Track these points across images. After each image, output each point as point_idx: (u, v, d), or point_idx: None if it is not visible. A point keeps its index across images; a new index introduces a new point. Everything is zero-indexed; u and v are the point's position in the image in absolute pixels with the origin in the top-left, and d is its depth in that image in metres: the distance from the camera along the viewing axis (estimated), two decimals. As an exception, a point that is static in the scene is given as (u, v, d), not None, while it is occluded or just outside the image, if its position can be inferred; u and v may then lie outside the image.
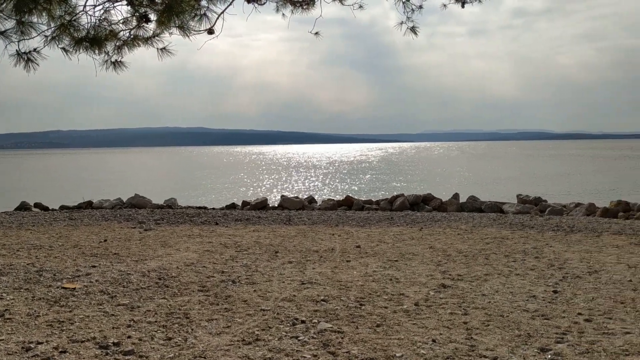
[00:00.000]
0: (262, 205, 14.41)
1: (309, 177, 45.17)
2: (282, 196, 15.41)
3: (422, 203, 14.10)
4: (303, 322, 4.79)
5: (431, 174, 44.68)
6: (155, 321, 4.80)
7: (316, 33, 7.33)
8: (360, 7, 6.94)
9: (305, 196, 16.40)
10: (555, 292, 5.78)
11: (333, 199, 15.29)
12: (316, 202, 15.28)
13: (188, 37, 5.78)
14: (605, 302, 5.38)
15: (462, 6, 6.23)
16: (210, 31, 6.12)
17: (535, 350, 4.14)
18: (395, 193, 15.62)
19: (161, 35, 5.74)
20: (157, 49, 5.78)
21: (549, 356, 4.04)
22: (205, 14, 5.85)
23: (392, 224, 11.18)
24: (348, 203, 14.41)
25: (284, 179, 43.25)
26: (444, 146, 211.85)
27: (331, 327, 4.63)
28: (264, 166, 66.01)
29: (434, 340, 4.34)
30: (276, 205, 14.68)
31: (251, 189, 33.01)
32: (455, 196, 14.42)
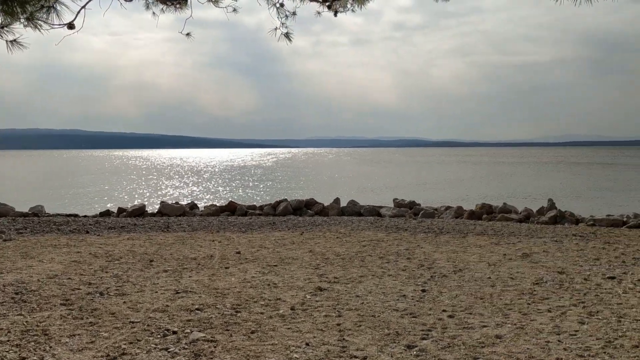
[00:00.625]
0: (139, 212, 13.78)
1: (192, 182, 44.04)
2: (161, 202, 14.83)
3: (305, 208, 14.28)
4: (175, 332, 4.62)
5: (316, 179, 45.51)
6: (8, 340, 4.37)
7: (187, 34, 7.14)
8: (234, 10, 6.87)
9: (187, 202, 15.94)
10: (423, 291, 6.10)
11: (216, 205, 15.01)
12: (198, 208, 14.90)
13: (39, 29, 5.33)
14: (467, 299, 5.77)
15: (335, 15, 6.42)
16: (71, 26, 5.71)
17: (403, 348, 4.33)
18: (279, 198, 15.67)
19: (11, 27, 5.23)
20: (7, 41, 5.26)
21: (415, 352, 4.24)
22: (53, 6, 5.43)
23: (275, 228, 11.19)
24: (231, 208, 14.21)
25: (165, 184, 41.77)
26: (332, 152, 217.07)
27: (204, 337, 4.51)
28: (145, 171, 63.32)
29: (307, 344, 4.38)
30: (155, 211, 14.10)
31: (129, 195, 31.48)
32: (337, 201, 14.77)
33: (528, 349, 4.30)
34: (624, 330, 4.75)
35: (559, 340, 4.48)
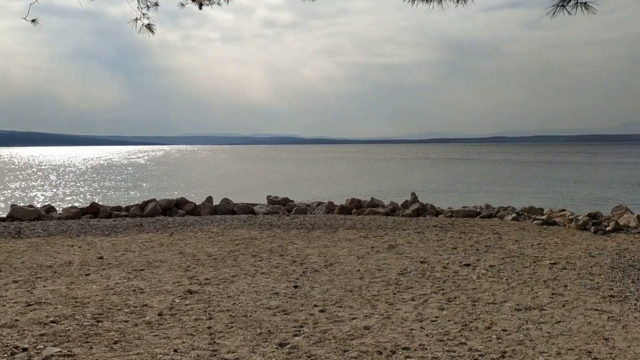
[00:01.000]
0: (-15, 217, 12.38)
1: (49, 183, 40.63)
2: (12, 205, 13.47)
3: (175, 207, 13.76)
4: (25, 349, 4.18)
5: (189, 178, 44.24)
6: None
7: (33, 20, 6.50)
8: (86, -6, 6.38)
9: (43, 204, 14.63)
10: (295, 287, 6.13)
11: (76, 207, 13.95)
12: (56, 211, 13.74)
13: None
14: (338, 292, 5.90)
15: (200, 7, 6.21)
16: None
17: (275, 347, 4.30)
18: (148, 198, 14.95)
19: None
20: None
21: (286, 350, 4.23)
22: None
23: (142, 230, 10.64)
24: (94, 210, 13.29)
25: (17, 186, 38.09)
26: (207, 149, 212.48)
27: (59, 352, 4.13)
28: (-5, 171, 57.26)
29: (175, 350, 4.19)
30: (5, 216, 12.76)
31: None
32: (209, 199, 14.42)
33: (394, 337, 4.49)
34: (478, 313, 5.14)
35: (421, 327, 4.74)
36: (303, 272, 6.88)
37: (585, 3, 5.11)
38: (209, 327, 4.74)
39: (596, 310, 5.24)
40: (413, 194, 13.97)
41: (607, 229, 9.97)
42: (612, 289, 6.00)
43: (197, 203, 14.16)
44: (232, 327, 4.76)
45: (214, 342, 4.39)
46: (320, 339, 4.47)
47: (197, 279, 6.50)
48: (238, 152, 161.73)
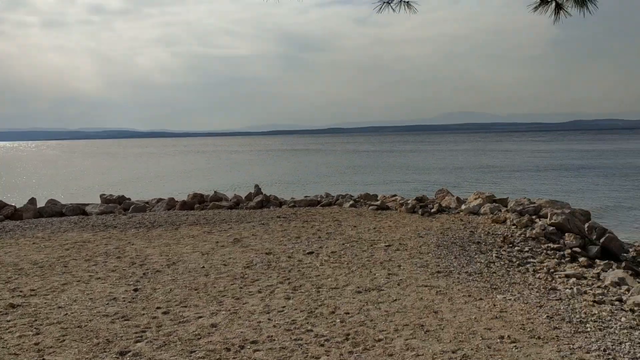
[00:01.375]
0: None
1: None
2: None
3: (-9, 212, 12.21)
4: None
5: (6, 179, 39.60)
6: None
7: None
8: None
9: None
10: (136, 290, 5.79)
11: None
12: None
13: None
14: (182, 292, 5.69)
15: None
16: None
17: (115, 356, 4.02)
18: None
19: None
20: None
21: (128, 358, 3.98)
22: None
23: (-51, 241, 9.26)
24: None
25: None
26: (30, 146, 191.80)
27: None
28: None
29: (-5, 375, 3.71)
30: None
31: None
32: (32, 201, 13.04)
33: (242, 332, 4.45)
34: (323, 299, 5.31)
35: (269, 319, 4.76)
36: (144, 273, 6.53)
37: (407, 2, 5.48)
38: (36, 344, 4.28)
39: (426, 286, 5.72)
40: (256, 186, 14.02)
41: (432, 210, 10.95)
42: (439, 265, 6.60)
43: (18, 206, 12.74)
44: (64, 340, 4.35)
45: (43, 359, 3.97)
46: (164, 342, 4.28)
47: (21, 291, 5.83)
48: (67, 147, 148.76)
